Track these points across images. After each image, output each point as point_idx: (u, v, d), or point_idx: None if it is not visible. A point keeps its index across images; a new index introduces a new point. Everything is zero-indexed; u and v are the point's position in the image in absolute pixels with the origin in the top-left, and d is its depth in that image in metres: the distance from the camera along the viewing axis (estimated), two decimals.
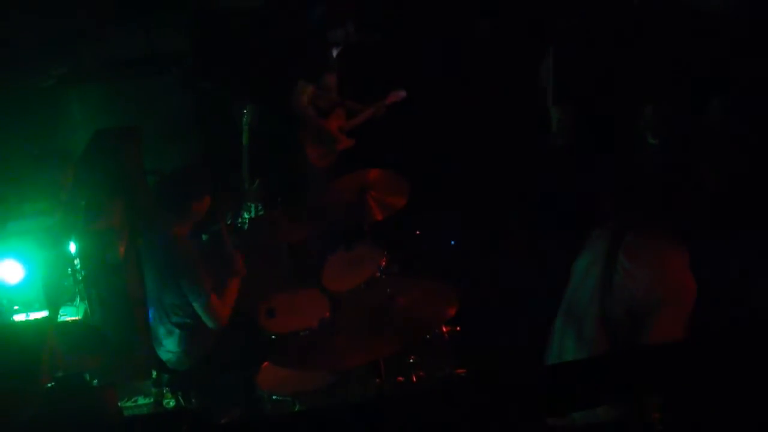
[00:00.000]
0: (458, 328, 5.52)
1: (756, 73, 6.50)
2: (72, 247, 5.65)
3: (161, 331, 5.27)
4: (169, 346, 5.27)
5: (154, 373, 5.47)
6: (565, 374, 2.62)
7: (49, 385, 3.81)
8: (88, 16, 7.84)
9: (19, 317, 5.33)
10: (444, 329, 5.48)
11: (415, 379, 5.37)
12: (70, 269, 5.68)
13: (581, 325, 3.93)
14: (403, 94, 7.67)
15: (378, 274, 5.56)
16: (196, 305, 5.09)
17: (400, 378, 5.36)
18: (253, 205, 7.40)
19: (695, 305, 3.68)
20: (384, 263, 5.60)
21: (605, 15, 7.93)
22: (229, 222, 7.61)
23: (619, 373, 2.41)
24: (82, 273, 5.66)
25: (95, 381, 5.10)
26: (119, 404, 5.51)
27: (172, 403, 5.47)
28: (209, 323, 5.14)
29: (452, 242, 7.36)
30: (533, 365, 4.37)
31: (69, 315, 5.63)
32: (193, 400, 5.31)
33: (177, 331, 5.23)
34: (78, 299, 5.70)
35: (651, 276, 3.70)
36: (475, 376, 5.47)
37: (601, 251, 3.90)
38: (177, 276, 5.09)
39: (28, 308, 5.35)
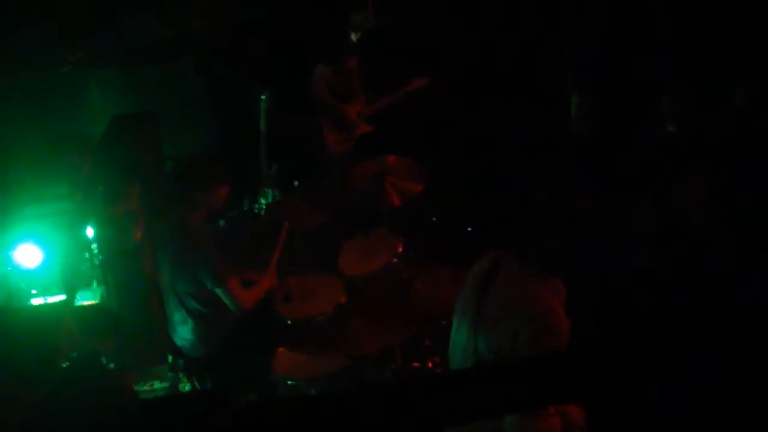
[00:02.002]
0: None
1: None
2: (89, 232, 5.68)
3: (176, 318, 5.26)
4: (183, 334, 5.27)
5: (170, 358, 5.49)
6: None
7: (65, 365, 3.82)
8: (106, 2, 7.85)
9: (36, 301, 5.37)
10: None
11: (430, 364, 5.36)
12: (87, 254, 5.71)
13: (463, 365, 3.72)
14: (424, 81, 7.63)
15: (395, 260, 5.54)
16: (217, 291, 5.08)
17: (416, 363, 5.36)
18: (270, 191, 7.40)
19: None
20: (401, 249, 5.59)
21: None
22: (246, 208, 7.62)
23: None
24: (99, 258, 5.68)
25: (111, 365, 5.13)
26: (135, 388, 5.55)
27: (187, 388, 5.49)
28: (232, 307, 5.12)
29: (468, 228, 7.33)
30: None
31: (86, 299, 5.67)
32: (208, 385, 5.32)
33: (191, 319, 5.22)
34: (95, 284, 5.73)
35: (517, 318, 3.41)
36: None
37: (473, 289, 3.67)
38: (192, 263, 5.08)
39: (45, 292, 5.40)
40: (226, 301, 5.10)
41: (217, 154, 7.51)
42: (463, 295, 3.80)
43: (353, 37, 7.40)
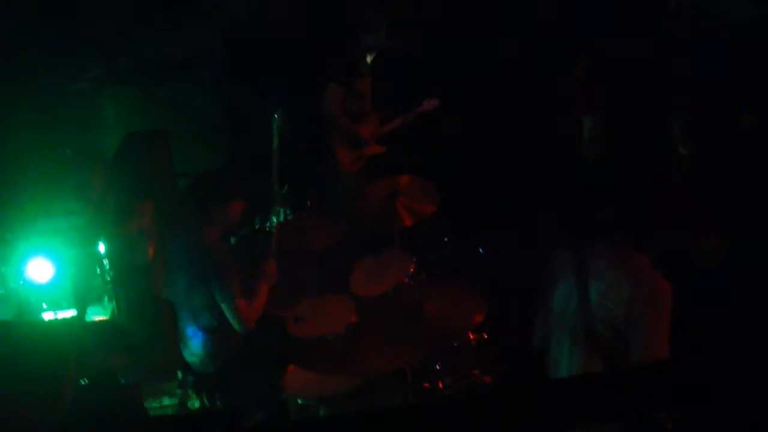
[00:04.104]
0: (485, 336, 5.50)
1: None
2: (101, 248, 5.69)
3: (188, 333, 5.25)
4: (194, 349, 5.25)
5: (180, 374, 5.48)
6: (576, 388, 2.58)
7: (83, 382, 3.82)
8: (120, 20, 7.90)
9: (47, 315, 5.36)
10: (471, 336, 5.45)
11: (441, 385, 5.34)
12: (98, 269, 5.71)
13: (572, 350, 3.91)
14: (436, 102, 7.64)
15: (406, 281, 5.53)
16: (223, 306, 5.07)
17: (426, 384, 5.33)
18: (281, 210, 7.40)
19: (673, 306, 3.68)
20: (412, 269, 5.57)
21: (638, 22, 7.89)
22: (257, 226, 7.62)
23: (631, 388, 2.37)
24: (111, 273, 5.69)
25: (122, 381, 5.12)
26: (145, 404, 5.53)
27: (197, 405, 5.48)
28: (236, 326, 5.11)
29: (480, 250, 7.32)
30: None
31: (96, 315, 5.67)
32: (218, 402, 5.30)
33: (203, 333, 5.21)
34: (106, 299, 5.73)
35: (627, 290, 3.67)
36: (501, 383, 5.45)
37: (568, 278, 3.89)
38: (207, 277, 5.07)
39: (56, 307, 5.40)
40: (231, 319, 5.08)
41: (234, 170, 7.52)
42: (555, 287, 4.00)
43: (367, 58, 7.40)
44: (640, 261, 3.75)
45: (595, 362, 3.81)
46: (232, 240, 6.98)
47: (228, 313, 5.07)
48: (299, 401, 5.01)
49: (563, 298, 3.94)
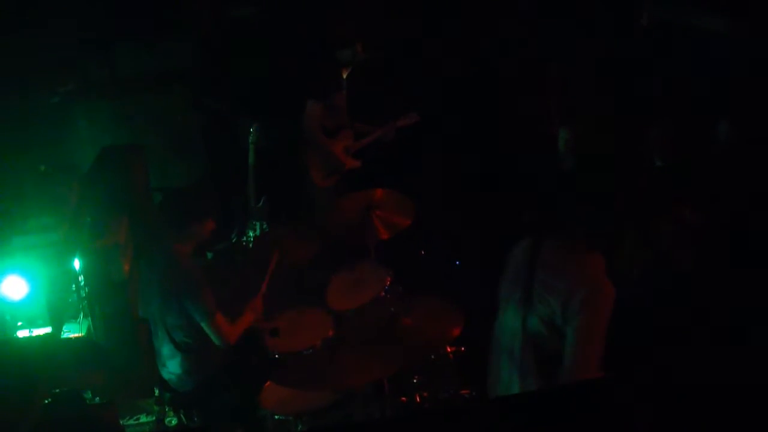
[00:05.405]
0: (462, 349, 5.50)
1: (761, 94, 6.51)
2: (76, 264, 5.65)
3: (164, 351, 5.21)
4: (171, 368, 5.21)
5: (157, 391, 5.45)
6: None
7: (47, 401, 3.79)
8: (95, 34, 7.87)
9: (22, 333, 5.32)
10: (448, 349, 5.46)
11: (418, 399, 5.34)
12: (74, 285, 5.68)
13: (511, 346, 3.92)
14: (415, 117, 7.64)
15: (382, 294, 5.53)
16: (203, 324, 5.03)
17: (404, 398, 5.33)
18: (258, 224, 7.39)
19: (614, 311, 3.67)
20: (388, 283, 5.58)
21: (613, 36, 7.95)
22: (234, 240, 7.61)
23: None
24: (86, 289, 5.66)
25: (97, 398, 5.10)
26: (121, 422, 5.50)
27: (174, 422, 5.44)
28: (216, 341, 5.08)
29: (457, 262, 7.33)
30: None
31: (72, 331, 5.64)
32: (195, 419, 5.27)
33: (180, 353, 5.17)
34: (81, 316, 5.70)
35: (567, 285, 3.67)
36: (478, 396, 5.45)
37: (520, 268, 3.90)
38: (179, 295, 5.03)
39: (31, 324, 5.35)
40: (212, 335, 5.05)
41: (210, 185, 7.52)
42: (506, 277, 4.02)
43: (342, 72, 7.41)
44: (591, 260, 3.75)
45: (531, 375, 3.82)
46: (209, 255, 6.96)
47: (207, 330, 5.04)
48: (276, 417, 4.99)
49: (510, 285, 3.95)
